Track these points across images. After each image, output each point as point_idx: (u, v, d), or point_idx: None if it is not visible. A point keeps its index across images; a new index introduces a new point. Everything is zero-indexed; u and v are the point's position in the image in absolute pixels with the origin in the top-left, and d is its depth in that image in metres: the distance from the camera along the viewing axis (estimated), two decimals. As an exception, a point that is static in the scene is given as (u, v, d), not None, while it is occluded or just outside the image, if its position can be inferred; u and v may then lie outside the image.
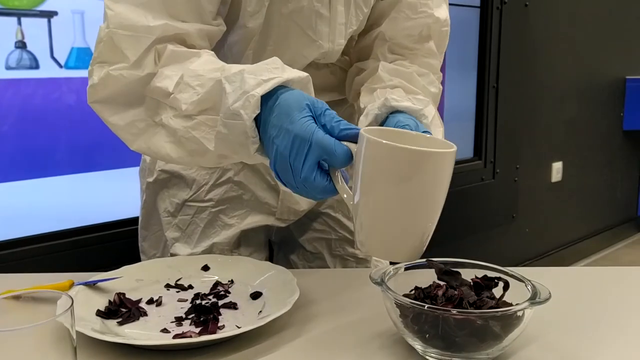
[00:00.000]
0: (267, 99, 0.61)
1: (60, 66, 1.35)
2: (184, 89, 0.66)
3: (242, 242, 0.91)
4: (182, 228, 0.89)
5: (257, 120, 0.62)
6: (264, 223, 0.91)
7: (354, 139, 0.59)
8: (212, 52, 0.72)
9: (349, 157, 0.58)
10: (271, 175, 0.89)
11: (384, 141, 0.55)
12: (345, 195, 0.60)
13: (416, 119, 0.71)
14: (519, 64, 2.50)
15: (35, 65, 1.31)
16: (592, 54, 2.88)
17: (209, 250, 0.88)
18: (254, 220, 0.90)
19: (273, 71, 0.63)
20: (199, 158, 0.68)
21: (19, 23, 1.28)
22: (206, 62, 0.68)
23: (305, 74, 0.64)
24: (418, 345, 0.59)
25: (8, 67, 1.28)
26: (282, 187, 0.89)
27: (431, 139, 0.62)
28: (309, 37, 0.80)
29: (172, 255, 0.89)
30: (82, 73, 1.38)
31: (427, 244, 0.60)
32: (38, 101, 1.32)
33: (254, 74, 0.62)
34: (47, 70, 1.33)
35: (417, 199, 0.56)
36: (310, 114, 0.60)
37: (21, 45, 1.29)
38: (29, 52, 1.31)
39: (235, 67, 0.64)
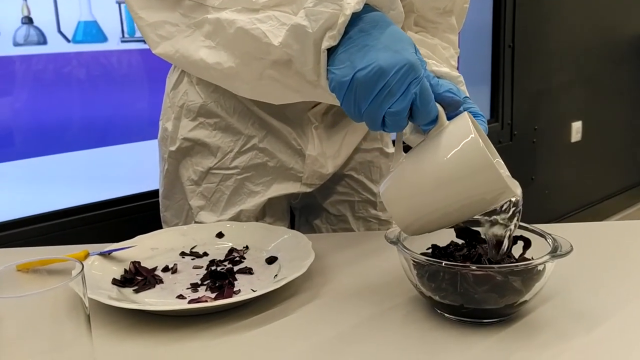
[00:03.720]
0: (368, 10, 0.57)
1: (68, 41, 1.33)
2: None
3: (267, 211, 0.91)
4: (206, 196, 0.88)
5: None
6: (291, 191, 0.90)
7: (450, 106, 0.57)
8: None
9: (432, 121, 0.56)
10: (296, 141, 0.88)
11: (481, 143, 0.54)
12: (396, 146, 0.60)
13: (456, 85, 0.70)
14: (536, 21, 2.43)
15: (43, 40, 1.30)
16: (611, 9, 2.80)
17: (236, 218, 0.87)
18: (280, 187, 0.89)
19: None
20: (243, 66, 0.64)
21: (24, -2, 1.27)
22: None
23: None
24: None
25: (16, 44, 1.27)
26: (307, 151, 0.88)
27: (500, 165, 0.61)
28: None
29: (197, 223, 0.89)
30: (90, 47, 1.36)
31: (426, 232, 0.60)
32: (50, 77, 1.32)
33: None
34: (55, 45, 1.32)
35: (464, 197, 0.56)
36: None
37: (27, 21, 1.28)
38: (36, 28, 1.29)
39: None
